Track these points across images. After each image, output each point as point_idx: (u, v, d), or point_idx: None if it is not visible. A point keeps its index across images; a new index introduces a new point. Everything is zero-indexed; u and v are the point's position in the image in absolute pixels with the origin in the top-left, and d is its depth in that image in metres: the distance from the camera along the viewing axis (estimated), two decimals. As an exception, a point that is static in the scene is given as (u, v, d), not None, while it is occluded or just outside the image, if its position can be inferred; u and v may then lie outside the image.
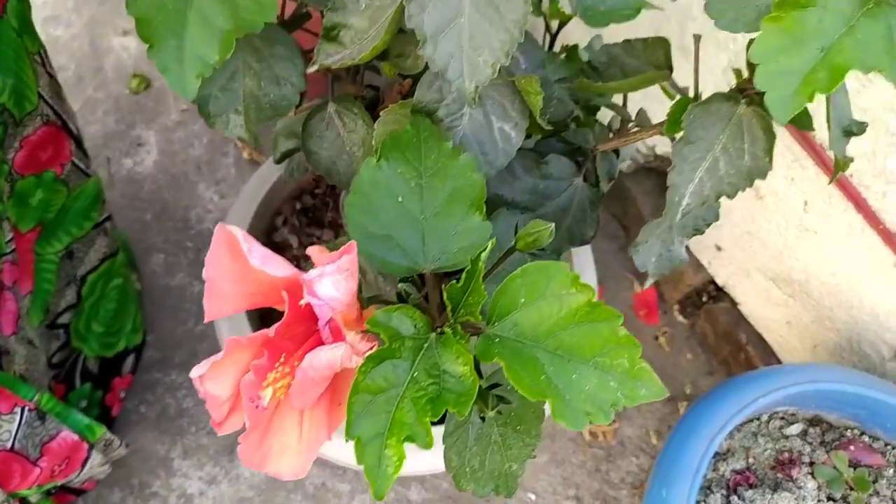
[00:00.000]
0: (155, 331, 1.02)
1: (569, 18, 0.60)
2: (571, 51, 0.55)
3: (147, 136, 1.12)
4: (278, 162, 0.56)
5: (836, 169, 0.41)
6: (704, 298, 1.02)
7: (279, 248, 0.80)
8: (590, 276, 0.72)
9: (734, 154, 0.41)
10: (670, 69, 0.45)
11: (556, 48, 0.64)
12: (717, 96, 0.41)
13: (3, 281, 0.73)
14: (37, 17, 1.24)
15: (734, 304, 0.98)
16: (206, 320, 0.37)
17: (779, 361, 0.95)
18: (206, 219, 1.08)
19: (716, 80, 0.79)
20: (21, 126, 0.73)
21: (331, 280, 0.34)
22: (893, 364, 0.79)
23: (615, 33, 0.61)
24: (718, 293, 1.00)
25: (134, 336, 0.98)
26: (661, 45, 0.46)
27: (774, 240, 0.85)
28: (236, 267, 0.35)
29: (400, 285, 0.39)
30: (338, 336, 0.35)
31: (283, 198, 0.81)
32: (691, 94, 0.46)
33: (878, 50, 0.32)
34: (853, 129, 0.41)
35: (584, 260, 0.73)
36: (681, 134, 0.41)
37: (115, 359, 0.95)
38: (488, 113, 0.44)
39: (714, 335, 1.00)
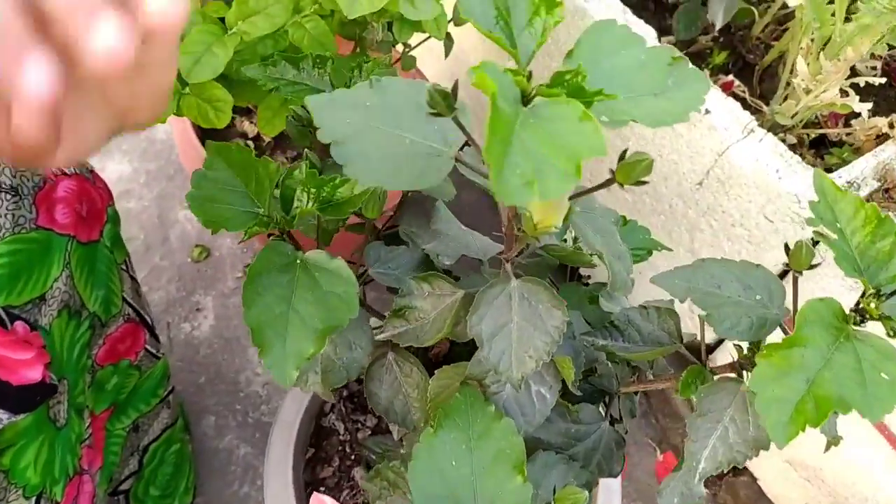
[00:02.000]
0: (203, 493, 1.07)
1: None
2: (593, 298, 0.64)
3: (205, 301, 1.22)
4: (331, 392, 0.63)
5: (827, 446, 0.48)
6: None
7: (327, 433, 0.87)
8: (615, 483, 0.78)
9: (741, 425, 0.49)
10: (681, 339, 0.53)
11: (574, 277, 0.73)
12: (724, 378, 0.49)
13: (82, 465, 0.80)
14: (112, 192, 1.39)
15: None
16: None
17: (800, 540, 0.98)
18: (255, 381, 1.16)
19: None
20: (106, 326, 0.82)
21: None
22: (910, 556, 0.83)
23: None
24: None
25: (186, 496, 1.04)
26: (672, 316, 0.54)
27: (789, 427, 0.90)
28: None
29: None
30: None
31: (333, 385, 0.89)
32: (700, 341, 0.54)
33: (851, 383, 0.39)
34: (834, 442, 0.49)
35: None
36: (695, 409, 0.49)
37: (166, 521, 1.01)
38: (527, 379, 0.52)
39: (736, 509, 1.04)
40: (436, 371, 0.54)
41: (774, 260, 0.84)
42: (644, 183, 0.38)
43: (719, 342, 0.93)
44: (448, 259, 0.57)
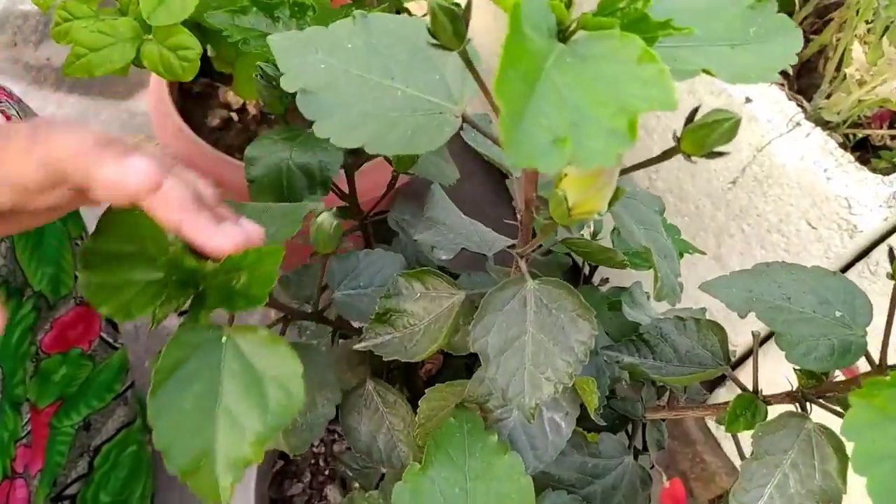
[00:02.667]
0: (162, 501, 0.98)
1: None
2: (613, 304, 0.55)
3: (176, 288, 1.12)
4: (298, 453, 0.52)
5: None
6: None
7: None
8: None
9: (804, 472, 0.39)
10: (727, 360, 0.44)
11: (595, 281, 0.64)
12: (785, 414, 0.39)
13: (15, 468, 0.70)
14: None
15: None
16: None
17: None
18: (227, 379, 1.06)
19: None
20: (54, 309, 0.72)
21: None
22: None
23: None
24: (754, 498, 0.95)
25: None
26: (716, 331, 0.44)
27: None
28: None
29: None
30: None
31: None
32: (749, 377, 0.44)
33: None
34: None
35: None
36: (749, 451, 0.39)
37: (118, 531, 0.91)
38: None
39: (749, 545, 0.94)
40: (427, 391, 0.44)
41: (813, 272, 0.74)
42: (720, 154, 0.28)
43: (749, 354, 0.83)
44: (445, 253, 0.47)
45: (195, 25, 0.60)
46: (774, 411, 0.42)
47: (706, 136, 0.27)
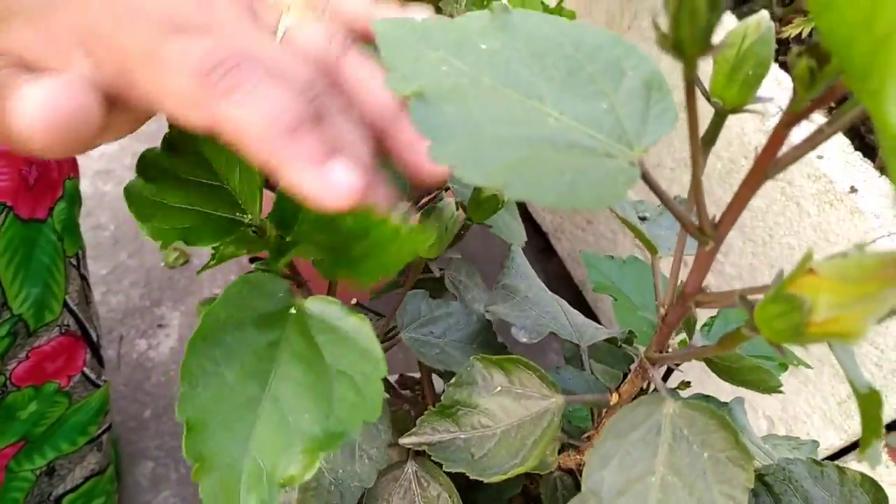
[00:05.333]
0: (123, 563, 0.86)
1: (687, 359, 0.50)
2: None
3: (171, 317, 1.02)
4: None
5: None
6: None
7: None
8: None
9: None
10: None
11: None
12: None
13: (-44, 519, 0.59)
14: (88, 170, 1.19)
15: None
16: None
17: None
18: (215, 429, 0.95)
19: None
20: (33, 336, 0.62)
21: None
22: None
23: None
24: None
25: (97, 566, 0.82)
26: (869, 488, 0.34)
27: None
28: None
29: None
30: None
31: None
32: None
33: None
34: None
35: None
36: None
37: None
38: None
39: None
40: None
41: (907, 395, 0.64)
42: None
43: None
44: (526, 334, 0.38)
45: None
46: None
47: None
